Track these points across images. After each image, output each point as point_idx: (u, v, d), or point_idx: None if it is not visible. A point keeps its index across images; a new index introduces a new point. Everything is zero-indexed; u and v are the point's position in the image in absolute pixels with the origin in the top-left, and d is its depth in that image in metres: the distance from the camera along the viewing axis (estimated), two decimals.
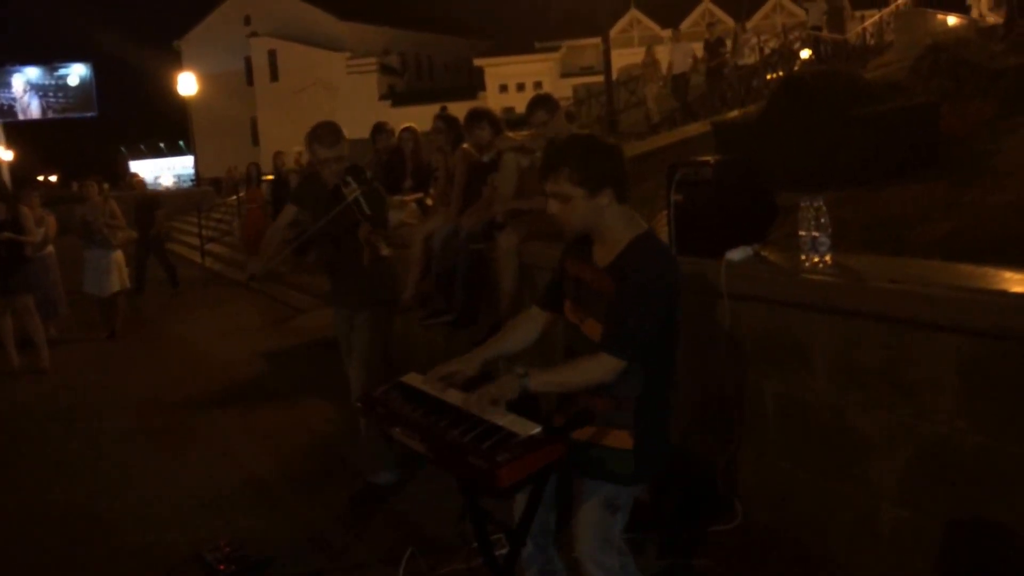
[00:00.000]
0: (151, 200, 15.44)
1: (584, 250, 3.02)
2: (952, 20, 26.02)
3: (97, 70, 55.22)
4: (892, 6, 26.11)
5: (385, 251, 4.95)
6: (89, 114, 55.22)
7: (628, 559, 3.03)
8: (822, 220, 3.88)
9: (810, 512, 4.02)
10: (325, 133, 5.07)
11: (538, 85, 38.32)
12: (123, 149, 62.25)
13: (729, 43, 20.89)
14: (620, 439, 2.89)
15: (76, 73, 54.40)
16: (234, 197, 15.48)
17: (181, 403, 7.67)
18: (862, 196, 8.43)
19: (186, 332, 11.35)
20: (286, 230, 5.52)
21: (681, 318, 2.99)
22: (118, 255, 10.81)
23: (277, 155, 16.64)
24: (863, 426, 3.68)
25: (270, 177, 16.57)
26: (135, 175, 18.61)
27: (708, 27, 21.80)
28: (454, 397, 2.95)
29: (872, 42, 24.54)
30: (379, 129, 8.98)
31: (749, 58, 20.89)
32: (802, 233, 3.93)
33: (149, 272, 14.58)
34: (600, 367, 2.81)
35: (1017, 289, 3.20)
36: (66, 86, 54.28)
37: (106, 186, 11.66)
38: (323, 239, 5.25)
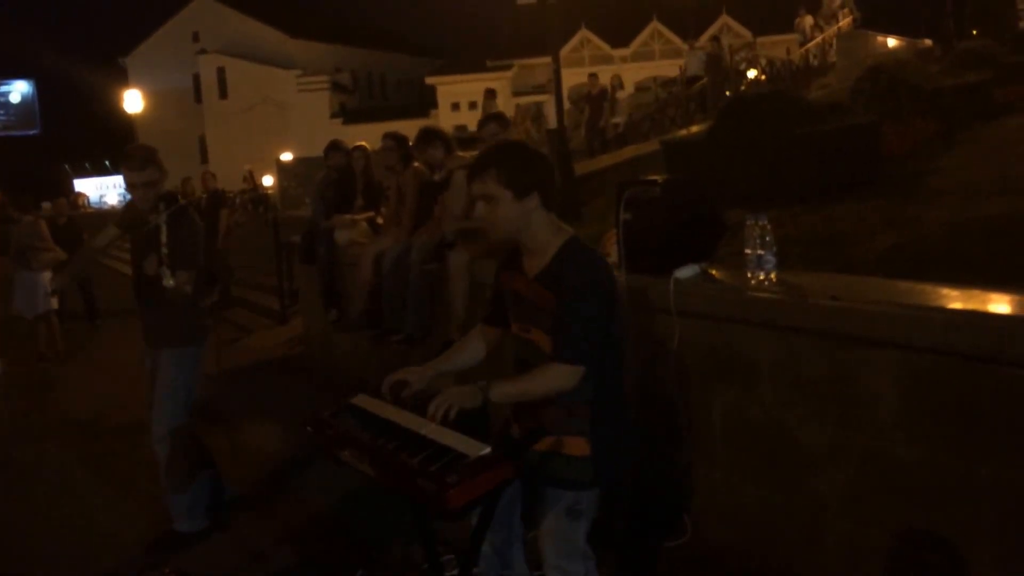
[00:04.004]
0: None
1: (515, 261, 3.04)
2: (892, 42, 26.78)
3: (40, 87, 54.48)
4: (834, 28, 26.74)
5: (168, 282, 4.45)
6: (32, 131, 54.27)
7: (592, 564, 3.05)
8: (767, 238, 3.94)
9: (758, 525, 4.07)
10: (133, 155, 4.74)
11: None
12: (67, 167, 61.13)
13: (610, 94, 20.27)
14: (577, 446, 2.90)
15: (18, 90, 53.52)
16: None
17: (124, 427, 7.45)
18: (806, 214, 8.59)
19: (128, 354, 11.08)
20: (103, 252, 5.00)
21: (623, 321, 3.01)
22: (45, 276, 10.62)
23: (186, 181, 15.29)
24: (808, 440, 3.74)
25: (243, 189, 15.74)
26: (80, 194, 18.11)
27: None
28: (409, 419, 2.91)
29: (816, 63, 25.07)
30: (332, 147, 8.88)
31: (619, 117, 20.00)
32: (747, 251, 4.00)
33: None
34: (559, 376, 2.82)
35: (955, 305, 3.29)
36: (8, 103, 53.34)
37: (47, 205, 11.43)
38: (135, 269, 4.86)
